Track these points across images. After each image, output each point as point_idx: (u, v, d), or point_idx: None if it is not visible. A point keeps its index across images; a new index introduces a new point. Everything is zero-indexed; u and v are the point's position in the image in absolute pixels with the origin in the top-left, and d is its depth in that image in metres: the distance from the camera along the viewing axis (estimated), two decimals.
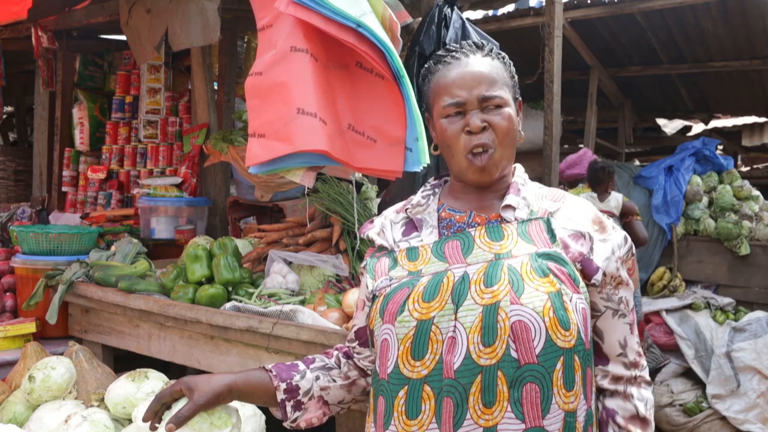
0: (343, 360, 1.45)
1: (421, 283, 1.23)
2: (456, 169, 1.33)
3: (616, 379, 1.29)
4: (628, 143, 7.05)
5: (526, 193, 1.33)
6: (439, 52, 1.37)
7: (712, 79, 6.09)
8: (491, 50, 1.36)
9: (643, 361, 1.31)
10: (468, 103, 1.27)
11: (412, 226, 1.37)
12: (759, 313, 4.02)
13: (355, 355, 1.45)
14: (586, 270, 1.25)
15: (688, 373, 4.08)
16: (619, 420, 1.27)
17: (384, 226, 1.40)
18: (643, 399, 1.28)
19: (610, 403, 1.29)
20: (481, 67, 1.30)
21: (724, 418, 3.82)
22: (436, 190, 1.42)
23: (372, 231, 1.41)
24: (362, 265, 1.42)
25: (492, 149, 1.27)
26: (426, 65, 1.39)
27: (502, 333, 1.14)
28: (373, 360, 1.42)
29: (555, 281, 1.18)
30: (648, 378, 1.31)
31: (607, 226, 1.30)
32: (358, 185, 3.21)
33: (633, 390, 1.28)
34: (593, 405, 1.25)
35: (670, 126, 8.47)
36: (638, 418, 1.27)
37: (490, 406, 1.13)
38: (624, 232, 1.32)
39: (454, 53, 1.34)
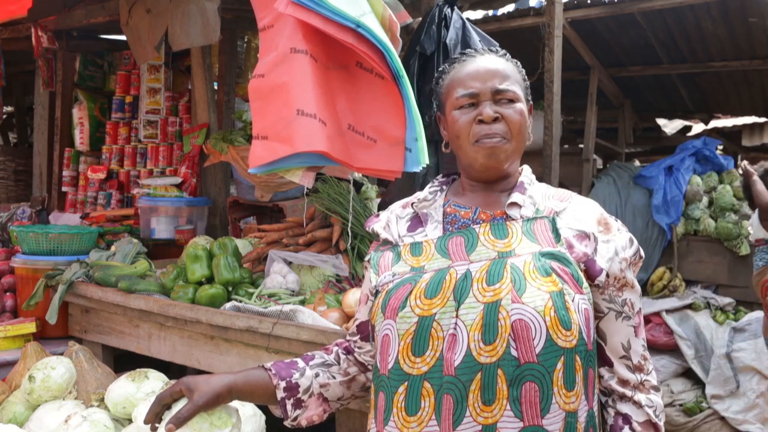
0: (342, 356, 1.45)
1: (423, 279, 1.23)
2: (465, 161, 1.33)
3: (624, 382, 1.28)
4: (628, 143, 7.04)
5: (533, 192, 1.33)
6: (453, 56, 1.40)
7: (712, 79, 6.08)
8: (504, 54, 1.39)
9: (649, 366, 1.30)
10: (481, 94, 1.29)
11: (417, 221, 1.37)
12: (759, 313, 4.01)
13: (356, 349, 1.45)
14: (590, 271, 1.24)
15: (688, 373, 4.08)
16: (636, 426, 1.26)
17: (390, 221, 1.40)
18: (653, 405, 1.28)
19: (624, 407, 1.28)
20: (496, 63, 1.33)
21: (724, 419, 3.82)
22: (444, 187, 1.42)
23: (378, 225, 1.41)
24: (366, 258, 1.42)
25: (505, 140, 1.28)
26: (440, 68, 1.41)
27: (503, 331, 1.14)
28: (374, 355, 1.42)
29: (557, 281, 1.18)
30: (655, 383, 1.30)
31: (612, 227, 1.30)
32: (358, 185, 3.21)
33: (642, 397, 1.27)
34: (595, 406, 1.25)
35: (670, 126, 8.47)
36: (651, 424, 1.26)
37: (490, 404, 1.13)
38: (629, 234, 1.31)
39: (468, 54, 1.37)
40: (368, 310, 1.41)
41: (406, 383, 1.20)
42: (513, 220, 1.28)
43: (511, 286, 1.16)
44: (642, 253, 1.31)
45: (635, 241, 1.31)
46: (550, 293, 1.16)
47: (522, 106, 1.31)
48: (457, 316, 1.17)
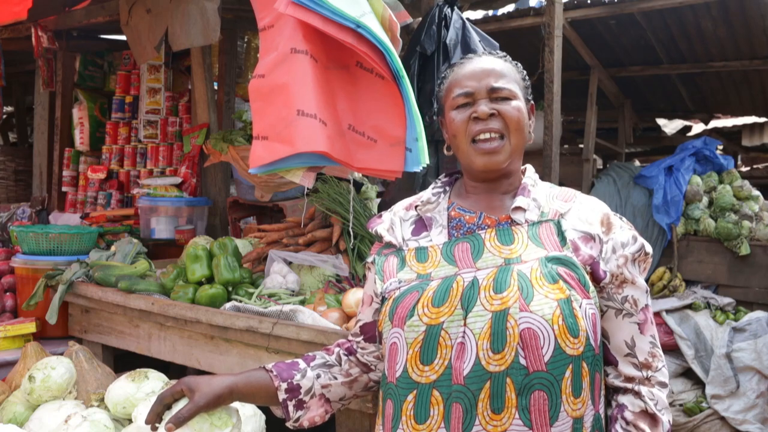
0: (343, 357, 1.45)
1: (430, 287, 1.23)
2: (464, 161, 1.33)
3: (629, 379, 1.27)
4: (628, 143, 7.03)
5: (537, 194, 1.32)
6: (453, 60, 1.42)
7: (712, 79, 6.08)
8: (504, 55, 1.39)
9: (658, 363, 1.27)
10: (477, 92, 1.29)
11: (421, 224, 1.37)
12: (759, 313, 4.02)
13: (359, 350, 1.45)
14: (595, 274, 1.24)
15: (688, 373, 4.08)
16: (628, 414, 1.24)
17: (393, 223, 1.39)
18: (654, 398, 1.25)
19: (622, 398, 1.27)
20: (492, 63, 1.34)
21: (724, 419, 3.82)
22: (447, 188, 1.42)
23: (381, 227, 1.40)
24: (369, 260, 1.41)
25: (502, 136, 1.28)
26: (442, 73, 1.43)
27: (512, 340, 1.14)
28: (378, 355, 1.42)
29: (565, 287, 1.17)
30: (663, 379, 1.27)
31: (614, 226, 1.28)
32: (358, 185, 3.21)
33: (644, 389, 1.25)
34: (602, 409, 1.24)
35: (670, 126, 8.46)
36: (647, 414, 1.24)
37: (499, 413, 1.14)
38: (633, 231, 1.28)
39: (467, 57, 1.39)
40: (372, 311, 1.40)
41: (414, 391, 1.20)
42: (518, 224, 1.28)
43: (519, 294, 1.16)
44: (648, 249, 1.28)
45: (639, 238, 1.28)
46: (558, 301, 1.15)
47: (519, 103, 1.30)
48: (465, 325, 1.17)
